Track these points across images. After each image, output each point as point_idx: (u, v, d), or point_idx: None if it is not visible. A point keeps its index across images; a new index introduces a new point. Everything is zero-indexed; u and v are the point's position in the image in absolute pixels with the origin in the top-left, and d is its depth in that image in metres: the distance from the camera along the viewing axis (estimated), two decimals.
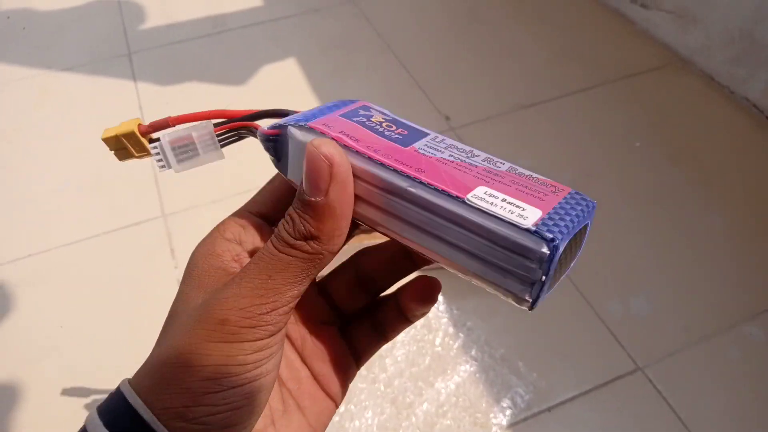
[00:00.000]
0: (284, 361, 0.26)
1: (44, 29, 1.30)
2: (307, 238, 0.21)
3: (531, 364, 0.74)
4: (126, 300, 0.81)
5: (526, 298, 0.19)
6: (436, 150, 0.22)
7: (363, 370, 0.72)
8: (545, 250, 0.18)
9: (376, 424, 0.68)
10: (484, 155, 0.22)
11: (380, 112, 0.24)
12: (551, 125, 1.05)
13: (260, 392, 0.22)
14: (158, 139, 0.26)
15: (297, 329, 0.27)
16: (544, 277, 0.18)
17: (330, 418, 0.27)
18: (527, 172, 0.22)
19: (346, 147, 0.21)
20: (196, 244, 0.26)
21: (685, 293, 0.81)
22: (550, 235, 0.18)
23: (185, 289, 0.24)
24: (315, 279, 0.24)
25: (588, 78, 1.13)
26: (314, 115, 0.24)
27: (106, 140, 0.26)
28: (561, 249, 0.18)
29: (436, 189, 0.20)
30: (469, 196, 0.19)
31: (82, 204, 0.94)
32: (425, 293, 0.26)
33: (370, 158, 0.21)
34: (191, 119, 0.25)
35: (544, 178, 0.21)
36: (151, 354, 0.23)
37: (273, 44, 1.24)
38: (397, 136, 0.22)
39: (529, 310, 0.20)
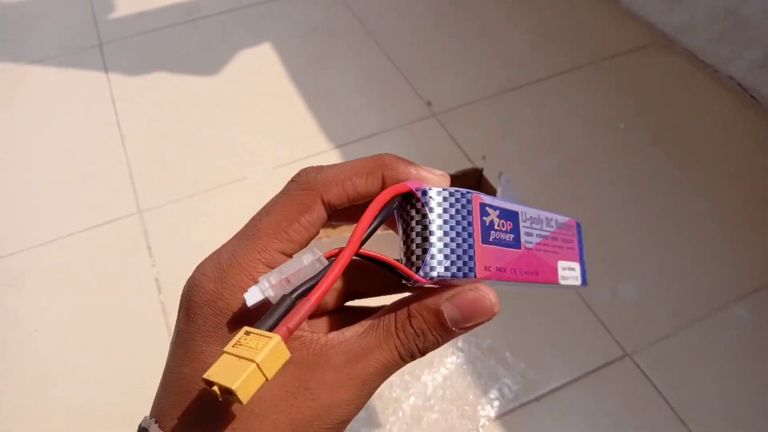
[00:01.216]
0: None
1: (11, 20, 1.26)
2: (423, 351, 0.22)
3: (518, 353, 0.73)
4: (103, 300, 0.79)
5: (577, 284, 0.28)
6: (530, 234, 0.26)
7: None
8: (586, 286, 0.28)
9: (363, 419, 0.67)
10: (544, 217, 0.27)
11: (494, 207, 0.24)
12: (535, 108, 1.03)
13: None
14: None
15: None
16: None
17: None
18: (557, 218, 0.28)
19: (503, 281, 0.24)
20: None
21: (672, 277, 0.80)
22: (587, 283, 0.28)
23: (198, 345, 0.21)
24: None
25: (572, 59, 1.11)
26: (448, 234, 0.23)
27: (245, 386, 0.19)
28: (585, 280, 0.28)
29: (542, 285, 0.26)
30: (560, 280, 0.27)
31: (56, 202, 0.91)
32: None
33: (515, 281, 0.25)
34: (325, 290, 0.21)
35: (565, 218, 0.29)
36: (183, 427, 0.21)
37: (249, 31, 1.21)
38: (511, 237, 0.25)
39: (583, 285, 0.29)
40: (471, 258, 0.23)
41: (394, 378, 0.70)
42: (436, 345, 0.23)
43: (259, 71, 1.12)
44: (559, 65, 1.10)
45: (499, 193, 0.78)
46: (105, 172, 0.95)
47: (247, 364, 0.18)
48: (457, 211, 0.23)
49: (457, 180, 0.84)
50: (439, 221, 0.23)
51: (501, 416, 0.68)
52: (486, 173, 0.84)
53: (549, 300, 0.78)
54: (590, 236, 0.87)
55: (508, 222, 0.25)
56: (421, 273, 0.22)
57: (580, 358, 0.73)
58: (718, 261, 0.81)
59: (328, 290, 0.20)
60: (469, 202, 0.23)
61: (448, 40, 1.17)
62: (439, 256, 0.22)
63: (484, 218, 0.24)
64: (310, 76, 1.11)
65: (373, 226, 0.22)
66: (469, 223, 0.23)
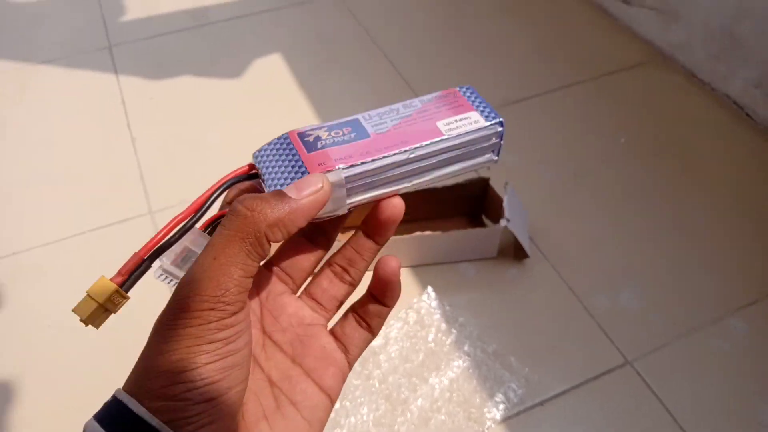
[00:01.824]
0: (273, 365, 0.28)
1: (21, 21, 1.27)
2: (254, 211, 0.23)
3: (522, 358, 0.75)
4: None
5: (495, 159, 0.30)
6: (381, 124, 0.28)
7: (357, 367, 0.72)
8: (501, 128, 0.29)
9: (372, 420, 0.68)
10: (399, 105, 0.30)
11: (315, 128, 0.29)
12: (535, 122, 1.06)
13: (234, 367, 0.23)
14: (158, 266, 0.27)
15: (284, 335, 0.28)
16: (501, 141, 0.29)
17: (326, 413, 0.28)
18: (428, 96, 0.30)
19: (351, 166, 0.26)
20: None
21: (671, 287, 0.82)
22: (498, 119, 0.29)
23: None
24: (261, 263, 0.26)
25: (572, 74, 1.14)
26: (278, 171, 0.27)
27: (90, 317, 0.25)
28: (503, 123, 0.29)
29: (424, 144, 0.27)
30: (445, 132, 0.28)
31: (67, 201, 0.92)
32: (389, 272, 0.28)
33: (373, 159, 0.27)
34: (154, 243, 0.26)
35: (439, 93, 0.30)
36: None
37: (256, 37, 1.22)
38: (353, 135, 0.28)
39: (495, 163, 0.30)
40: (301, 165, 0.27)
41: (402, 380, 0.72)
42: (264, 204, 0.23)
43: (266, 77, 1.14)
44: (560, 80, 1.13)
45: (505, 201, 0.80)
46: (116, 172, 0.96)
47: (85, 296, 0.24)
48: (278, 149, 0.28)
49: (463, 188, 0.86)
50: (268, 169, 0.27)
51: (506, 419, 0.70)
52: (491, 183, 0.86)
53: (551, 307, 0.80)
54: (592, 245, 0.89)
55: (345, 128, 0.28)
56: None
57: (582, 364, 0.75)
58: (716, 273, 0.84)
59: (152, 247, 0.26)
60: (285, 138, 0.28)
61: (452, 52, 1.20)
62: (274, 186, 0.27)
63: (306, 138, 0.28)
64: (316, 82, 1.13)
65: (211, 199, 0.28)
66: (291, 148, 0.27)
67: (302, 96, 1.10)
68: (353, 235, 0.30)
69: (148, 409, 0.22)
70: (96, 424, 0.23)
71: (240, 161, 1.00)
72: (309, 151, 0.27)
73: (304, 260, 0.29)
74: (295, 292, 0.30)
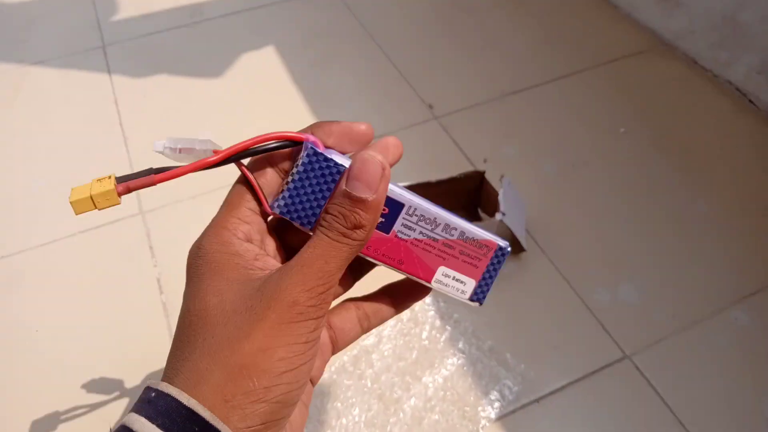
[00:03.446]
0: None
1: (14, 22, 1.27)
2: (356, 227, 0.25)
3: (519, 355, 0.73)
4: (104, 300, 0.79)
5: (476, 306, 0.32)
6: (410, 229, 0.29)
7: (349, 366, 0.71)
8: (479, 305, 0.31)
9: (364, 420, 0.67)
10: (443, 223, 0.29)
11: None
12: (535, 112, 1.04)
13: (310, 371, 0.25)
14: (163, 143, 0.27)
15: None
16: (480, 304, 0.31)
17: (309, 397, 0.29)
18: (473, 234, 0.30)
19: None
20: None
21: (671, 279, 0.80)
22: (481, 301, 0.31)
23: (206, 282, 0.25)
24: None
25: (572, 63, 1.12)
26: (308, 188, 0.27)
27: (78, 203, 0.25)
28: (484, 302, 0.31)
29: (411, 277, 0.29)
30: (433, 282, 0.29)
31: (57, 203, 0.91)
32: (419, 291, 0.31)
33: (366, 255, 0.28)
34: (176, 175, 0.26)
35: (484, 238, 0.30)
36: (194, 354, 0.24)
37: (252, 34, 1.21)
38: (381, 222, 0.28)
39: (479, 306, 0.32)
40: (315, 214, 0.27)
41: (395, 379, 0.70)
42: (363, 220, 0.25)
43: (261, 74, 1.13)
44: (559, 69, 1.11)
45: (500, 195, 0.79)
46: (107, 172, 0.94)
47: (87, 197, 0.24)
48: (323, 174, 0.27)
49: (459, 182, 0.85)
50: (303, 174, 0.27)
51: (501, 417, 0.68)
52: (488, 176, 0.85)
53: (548, 301, 0.78)
54: (590, 237, 0.88)
55: (385, 208, 0.28)
56: (271, 203, 0.27)
57: (579, 359, 0.73)
58: (717, 264, 0.82)
59: (175, 176, 0.26)
60: (339, 172, 0.27)
61: (450, 44, 1.18)
62: (288, 200, 0.27)
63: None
64: (312, 78, 1.11)
65: (255, 148, 0.27)
66: (329, 188, 0.27)
67: (298, 92, 1.08)
68: (375, 298, 0.31)
69: (217, 408, 0.22)
70: (146, 423, 0.21)
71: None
72: None
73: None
74: None
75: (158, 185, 0.27)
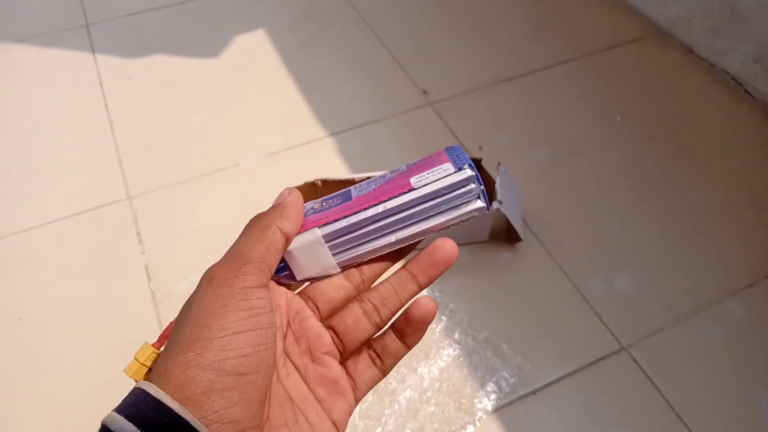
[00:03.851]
0: (292, 383, 0.28)
1: None
2: (265, 214, 0.28)
3: (515, 346, 0.72)
4: (90, 288, 0.77)
5: (482, 205, 0.28)
6: (365, 189, 0.30)
7: None
8: (470, 171, 0.28)
9: (358, 412, 0.66)
10: (389, 170, 0.31)
11: (316, 201, 0.31)
12: (531, 99, 1.02)
13: (261, 345, 0.24)
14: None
15: (300, 359, 0.29)
16: (481, 186, 0.28)
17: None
18: (417, 160, 0.31)
19: (325, 225, 0.29)
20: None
21: (667, 270, 0.80)
22: (466, 164, 0.28)
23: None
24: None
25: (567, 50, 1.10)
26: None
27: (138, 376, 0.27)
28: (474, 168, 0.28)
29: (392, 197, 0.28)
30: (412, 183, 0.28)
31: (41, 186, 0.88)
32: (425, 314, 0.29)
33: (345, 216, 0.29)
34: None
35: (427, 155, 0.30)
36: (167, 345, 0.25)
37: (241, 15, 1.18)
38: (339, 201, 0.30)
39: (488, 210, 0.30)
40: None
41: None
42: (269, 209, 0.28)
43: (251, 56, 1.10)
44: (555, 56, 1.09)
45: (497, 183, 0.77)
46: (92, 156, 0.92)
47: (139, 366, 0.26)
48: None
49: None
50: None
51: (498, 409, 0.67)
52: (483, 163, 0.83)
53: (545, 292, 0.78)
54: (586, 227, 0.87)
55: (336, 198, 0.30)
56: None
57: (576, 350, 0.73)
58: (713, 255, 0.81)
59: None
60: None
61: (444, 29, 1.16)
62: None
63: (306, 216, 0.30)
64: (303, 62, 1.09)
65: None
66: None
67: (287, 74, 1.06)
68: (394, 274, 0.30)
69: (175, 386, 0.22)
70: (115, 414, 0.22)
71: (222, 143, 0.98)
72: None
73: (333, 292, 0.30)
74: (320, 320, 0.30)
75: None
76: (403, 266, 0.30)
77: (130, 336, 0.72)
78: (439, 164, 0.29)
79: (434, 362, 0.70)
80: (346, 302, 0.30)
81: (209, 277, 0.25)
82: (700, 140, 0.96)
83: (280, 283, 0.30)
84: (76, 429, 0.65)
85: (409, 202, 0.28)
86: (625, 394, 0.69)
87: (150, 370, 0.26)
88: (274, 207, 0.28)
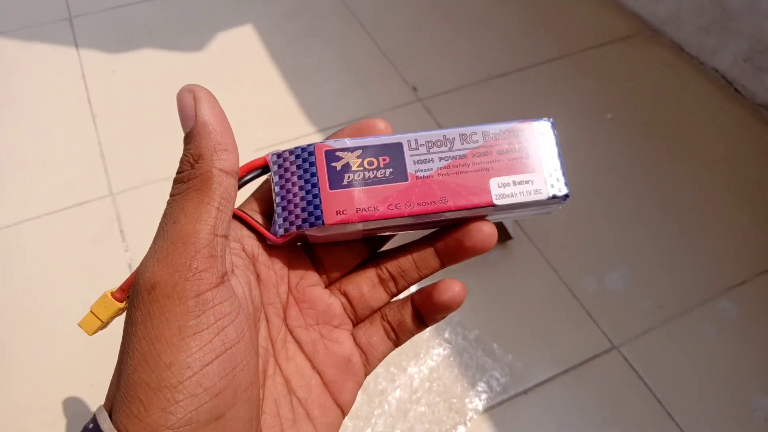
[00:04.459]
0: (293, 368, 0.24)
1: None
2: (193, 162, 0.21)
3: (506, 345, 0.72)
4: (72, 287, 0.75)
5: (560, 207, 0.26)
6: (427, 162, 0.24)
7: None
8: (565, 189, 0.24)
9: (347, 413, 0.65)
10: (457, 134, 0.25)
11: (347, 150, 0.24)
12: (522, 95, 1.01)
13: (235, 369, 0.19)
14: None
15: (308, 333, 0.25)
16: (565, 200, 0.25)
17: (338, 430, 0.26)
18: (497, 128, 0.25)
19: (376, 219, 0.23)
20: (148, 223, 0.23)
21: (658, 268, 0.79)
22: (565, 192, 0.24)
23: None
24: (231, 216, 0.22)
25: (558, 48, 1.10)
26: (290, 190, 0.24)
27: (93, 331, 0.25)
28: (567, 182, 0.24)
29: (469, 210, 0.24)
30: (495, 200, 0.23)
31: (20, 183, 0.86)
32: (452, 299, 0.26)
33: (400, 216, 0.23)
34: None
35: (511, 125, 0.25)
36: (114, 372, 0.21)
37: (229, 8, 1.16)
38: (389, 171, 0.24)
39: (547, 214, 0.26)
40: (317, 207, 0.23)
41: (379, 370, 0.68)
42: (196, 149, 0.21)
43: (238, 50, 1.08)
44: (545, 53, 1.09)
45: None
46: (74, 151, 0.90)
47: (89, 314, 0.23)
48: (299, 167, 0.24)
49: None
50: (280, 182, 0.24)
51: (489, 409, 0.67)
52: None
53: (535, 290, 0.77)
54: (577, 225, 0.86)
55: (383, 157, 0.24)
56: (272, 232, 0.24)
57: (567, 349, 0.72)
58: (704, 253, 0.81)
59: None
60: (310, 154, 0.24)
61: (435, 26, 1.14)
62: (283, 214, 0.24)
63: (333, 164, 0.24)
64: (291, 56, 1.07)
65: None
66: (312, 174, 0.23)
67: (276, 69, 1.04)
68: (419, 247, 0.26)
69: None
70: None
71: None
72: (332, 187, 0.23)
73: (348, 256, 0.26)
74: (327, 287, 0.26)
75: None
76: (428, 241, 0.27)
77: (111, 334, 0.70)
78: (529, 171, 0.24)
79: (424, 362, 0.69)
80: (356, 265, 0.27)
81: (150, 284, 0.19)
82: (690, 138, 0.95)
83: (273, 244, 0.25)
84: (58, 430, 0.63)
85: (479, 213, 0.24)
86: (617, 393, 0.69)
87: (105, 325, 0.23)
88: (196, 135, 0.21)
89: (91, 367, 0.67)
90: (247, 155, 0.90)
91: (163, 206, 0.21)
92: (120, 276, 0.75)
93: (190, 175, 0.21)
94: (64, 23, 1.12)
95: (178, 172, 0.21)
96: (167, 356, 0.18)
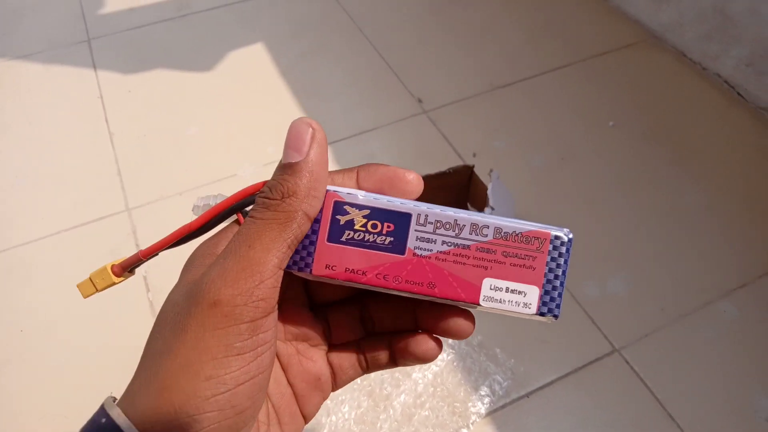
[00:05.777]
0: (273, 378, 0.25)
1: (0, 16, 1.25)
2: (285, 196, 0.21)
3: (508, 350, 0.73)
4: (90, 299, 0.78)
5: (550, 322, 0.24)
6: (429, 242, 0.24)
7: None
8: (554, 320, 0.24)
9: (353, 418, 0.67)
10: (468, 223, 0.24)
11: (356, 207, 0.24)
12: (525, 105, 1.03)
13: (260, 391, 0.21)
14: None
15: (285, 347, 0.26)
16: (556, 318, 0.24)
17: None
18: (513, 227, 0.24)
19: (361, 284, 0.23)
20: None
21: (660, 272, 0.81)
22: (555, 314, 0.23)
23: (172, 296, 0.23)
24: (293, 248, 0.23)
25: (561, 57, 1.12)
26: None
27: (88, 296, 0.27)
28: (559, 306, 0.24)
29: (453, 300, 0.23)
30: (482, 300, 0.23)
31: (41, 200, 0.90)
32: (426, 353, 0.25)
33: (382, 287, 0.23)
34: (160, 247, 0.25)
35: (527, 229, 0.24)
36: (140, 366, 0.21)
37: (240, 27, 1.20)
38: (389, 240, 0.24)
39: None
40: (309, 254, 0.23)
41: (384, 375, 0.70)
42: (292, 185, 0.21)
43: (248, 67, 1.12)
44: (549, 63, 1.11)
45: (489, 189, 0.78)
46: (93, 169, 0.94)
47: (87, 280, 0.26)
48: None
49: (448, 177, 0.84)
50: None
51: (491, 413, 0.68)
52: (477, 170, 0.84)
53: None
54: (579, 230, 0.87)
55: (388, 224, 0.23)
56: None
57: (569, 353, 0.73)
58: (705, 256, 0.82)
59: (159, 248, 0.25)
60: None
61: (439, 38, 1.17)
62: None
63: (338, 216, 0.24)
64: (300, 72, 1.10)
65: (239, 203, 0.24)
66: (316, 221, 0.23)
67: (285, 85, 1.07)
68: (401, 303, 0.26)
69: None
70: None
71: (220, 154, 0.99)
72: (329, 240, 0.24)
73: (337, 288, 0.27)
74: (312, 310, 0.28)
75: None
76: (411, 302, 0.27)
77: (127, 344, 0.73)
78: (526, 281, 0.23)
79: (428, 367, 0.71)
80: (345, 300, 0.27)
81: (213, 300, 0.20)
82: (692, 143, 0.96)
83: None
84: None
85: (464, 305, 0.24)
86: (618, 397, 0.70)
87: (93, 285, 0.25)
88: (299, 171, 0.22)
89: (111, 378, 0.71)
90: (258, 168, 0.93)
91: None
92: (137, 287, 0.78)
93: (278, 207, 0.21)
94: (83, 45, 1.16)
95: (266, 197, 0.22)
96: (209, 369, 0.19)
